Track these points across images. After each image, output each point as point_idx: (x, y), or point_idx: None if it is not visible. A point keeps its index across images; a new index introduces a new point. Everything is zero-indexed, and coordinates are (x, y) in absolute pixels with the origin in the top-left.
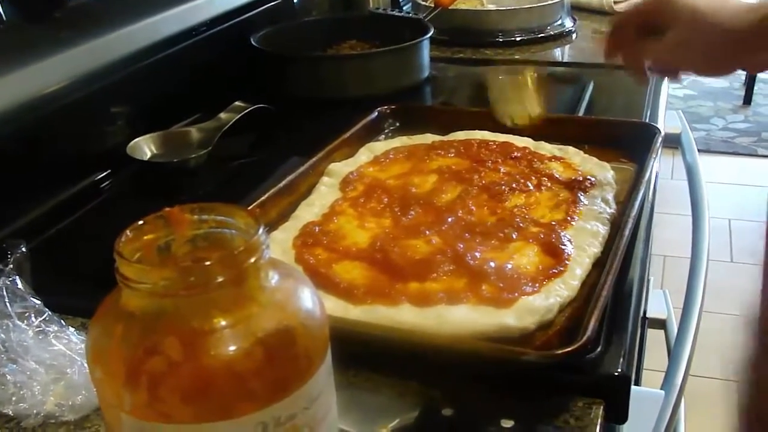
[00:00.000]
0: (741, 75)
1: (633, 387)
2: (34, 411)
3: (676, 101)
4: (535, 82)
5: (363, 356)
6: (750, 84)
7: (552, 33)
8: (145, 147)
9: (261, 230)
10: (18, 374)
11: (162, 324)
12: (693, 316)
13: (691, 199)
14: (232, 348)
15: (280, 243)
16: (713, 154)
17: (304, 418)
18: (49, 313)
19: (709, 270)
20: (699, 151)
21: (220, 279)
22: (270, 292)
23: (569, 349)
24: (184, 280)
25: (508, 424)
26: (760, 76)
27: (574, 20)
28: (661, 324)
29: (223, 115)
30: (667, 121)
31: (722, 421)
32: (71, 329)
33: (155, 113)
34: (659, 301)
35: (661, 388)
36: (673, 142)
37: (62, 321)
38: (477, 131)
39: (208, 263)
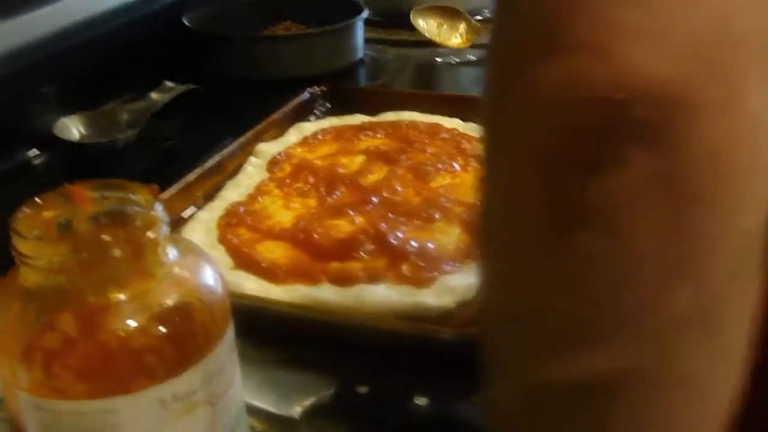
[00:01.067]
0: None
1: None
2: None
3: None
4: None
5: (282, 335)
6: None
7: (490, 15)
8: (72, 127)
9: (159, 206)
10: None
11: (58, 300)
12: None
13: None
14: (129, 323)
15: (204, 223)
16: None
17: (204, 394)
18: None
19: None
20: None
21: (116, 254)
22: (168, 267)
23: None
24: (79, 255)
25: (422, 401)
26: None
27: None
28: None
29: (154, 96)
30: None
31: None
32: None
33: (85, 92)
34: None
35: None
36: None
37: None
38: (407, 112)
39: (104, 237)
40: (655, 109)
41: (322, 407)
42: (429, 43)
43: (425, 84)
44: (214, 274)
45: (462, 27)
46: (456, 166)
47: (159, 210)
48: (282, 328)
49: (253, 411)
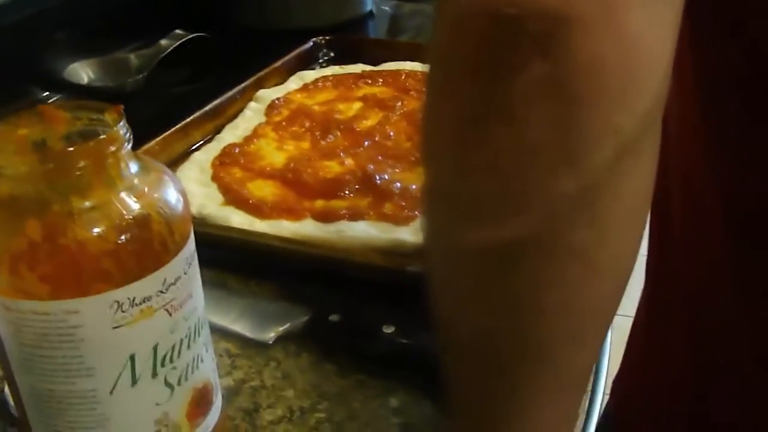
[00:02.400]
0: None
1: None
2: None
3: None
4: None
5: (264, 267)
6: None
7: None
8: (82, 72)
9: (122, 123)
10: None
11: (25, 208)
12: None
13: None
14: (89, 230)
15: (199, 163)
16: None
17: (159, 301)
18: None
19: None
20: None
21: (80, 165)
22: (129, 181)
23: None
24: (46, 165)
25: (389, 329)
26: None
27: None
28: None
29: (162, 42)
30: None
31: None
32: None
33: (95, 39)
34: None
35: None
36: None
37: None
38: (408, 62)
39: (69, 150)
40: (544, 23)
41: (295, 333)
42: None
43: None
44: (176, 194)
45: None
46: None
47: (122, 127)
48: (262, 260)
49: (231, 336)
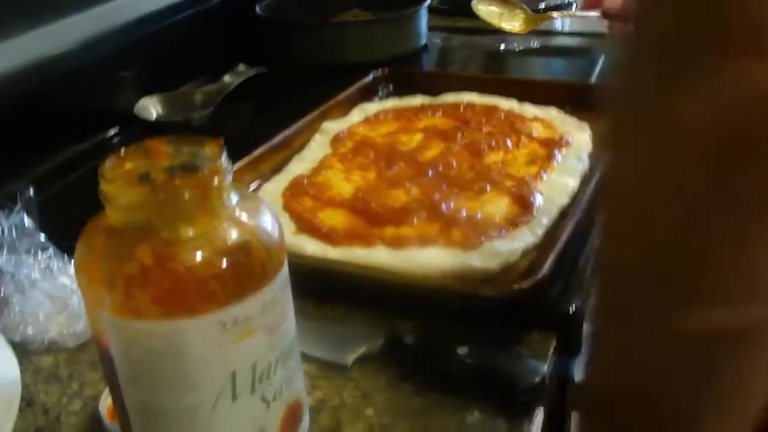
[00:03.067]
0: None
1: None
2: (39, 338)
3: None
4: None
5: (339, 292)
6: None
7: (552, 4)
8: (151, 107)
9: (224, 157)
10: (25, 305)
11: (136, 235)
12: None
13: None
14: (196, 255)
15: (269, 193)
16: None
17: (258, 321)
18: (54, 249)
19: None
20: None
21: (186, 196)
22: (230, 210)
23: (524, 285)
24: (156, 196)
25: (462, 350)
26: None
27: None
28: None
29: (226, 78)
30: None
31: None
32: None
33: (162, 76)
34: None
35: None
36: None
37: (65, 256)
38: (465, 94)
39: (176, 182)
40: None
41: (371, 355)
42: (493, 31)
43: (490, 69)
44: (272, 221)
45: (520, 15)
46: (509, 143)
47: (224, 160)
48: (337, 286)
49: (310, 359)
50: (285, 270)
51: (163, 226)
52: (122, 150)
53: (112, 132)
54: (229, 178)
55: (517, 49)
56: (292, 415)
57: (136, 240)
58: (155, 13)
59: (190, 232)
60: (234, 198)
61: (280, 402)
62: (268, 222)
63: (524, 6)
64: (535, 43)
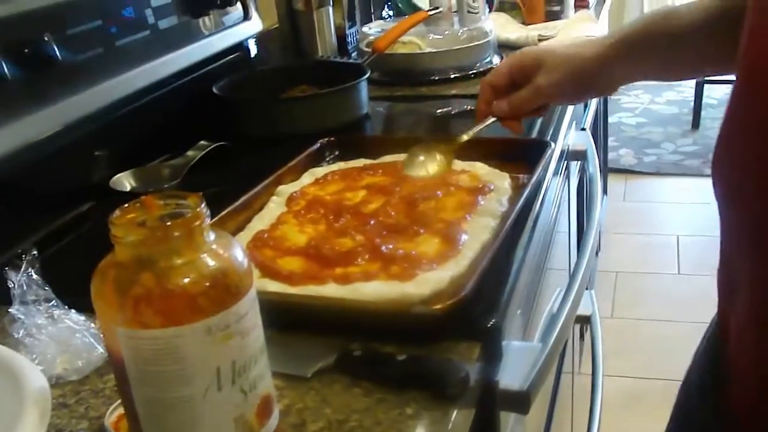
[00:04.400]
0: (689, 101)
1: (515, 342)
2: (48, 374)
3: (629, 129)
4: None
5: (298, 321)
6: (697, 109)
7: (482, 69)
8: (125, 181)
9: (203, 205)
10: (34, 346)
11: (139, 266)
12: (572, 292)
13: (587, 202)
14: (186, 278)
15: None
16: (663, 177)
17: (235, 328)
18: (56, 299)
19: (658, 282)
20: (650, 174)
21: (176, 234)
22: (209, 244)
23: (448, 303)
24: (154, 235)
25: (401, 357)
26: (706, 101)
27: (501, 57)
28: (585, 320)
29: (190, 152)
30: (577, 140)
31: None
32: (73, 311)
33: (133, 153)
34: (587, 301)
35: (539, 342)
36: (581, 157)
37: (65, 305)
38: (402, 155)
39: (168, 224)
40: None
41: (327, 368)
42: (432, 97)
43: (428, 131)
44: (241, 253)
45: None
46: (439, 193)
47: (203, 208)
48: (297, 315)
49: (278, 375)
50: (253, 290)
51: (160, 258)
52: (125, 205)
53: (90, 205)
54: (207, 221)
55: (452, 112)
56: (265, 406)
57: (139, 270)
58: (124, 99)
59: (180, 262)
60: (212, 235)
61: (255, 393)
62: (239, 254)
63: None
64: (468, 106)
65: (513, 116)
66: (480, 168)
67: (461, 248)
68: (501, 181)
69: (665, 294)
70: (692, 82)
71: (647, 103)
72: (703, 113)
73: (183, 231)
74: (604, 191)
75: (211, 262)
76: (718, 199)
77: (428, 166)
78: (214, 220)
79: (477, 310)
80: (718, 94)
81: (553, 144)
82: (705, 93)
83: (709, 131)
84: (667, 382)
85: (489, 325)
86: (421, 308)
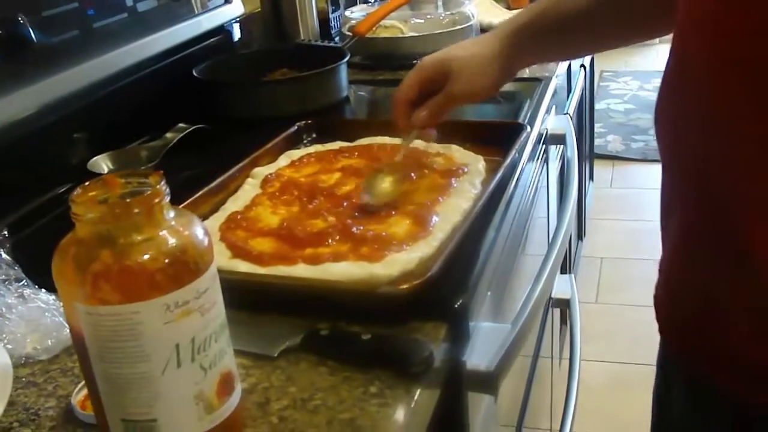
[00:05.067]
0: None
1: (486, 323)
2: (17, 353)
3: (617, 115)
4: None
5: (266, 301)
6: None
7: None
8: (102, 163)
9: (163, 183)
10: (4, 326)
11: (99, 242)
12: (544, 274)
13: (563, 185)
14: (145, 255)
15: (209, 228)
16: (650, 163)
17: (194, 304)
18: (26, 279)
19: (644, 267)
20: (637, 160)
21: (135, 210)
22: (169, 221)
23: (415, 283)
24: (113, 211)
25: (366, 336)
26: None
27: None
28: (564, 303)
29: (168, 135)
30: (556, 123)
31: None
32: (43, 290)
33: (112, 135)
34: (566, 284)
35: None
36: (560, 141)
37: (36, 285)
38: (378, 137)
39: (128, 200)
40: None
41: (294, 347)
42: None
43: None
44: (202, 231)
45: None
46: (413, 175)
47: (163, 185)
48: (265, 295)
49: (245, 354)
50: (213, 267)
51: (119, 234)
52: (86, 183)
53: (69, 186)
54: (167, 198)
55: None
56: (226, 383)
57: (99, 246)
58: (103, 81)
59: (140, 239)
60: (171, 213)
61: (215, 370)
62: (199, 232)
63: None
64: None
65: (432, 124)
66: (455, 151)
67: (432, 230)
68: (475, 163)
69: (650, 280)
70: None
71: (636, 90)
72: None
73: (143, 208)
74: (591, 177)
75: (170, 240)
76: (661, 150)
77: (383, 190)
78: (188, 201)
79: (444, 291)
80: None
81: (529, 127)
82: None
83: None
84: (651, 368)
85: (456, 306)
86: (387, 288)
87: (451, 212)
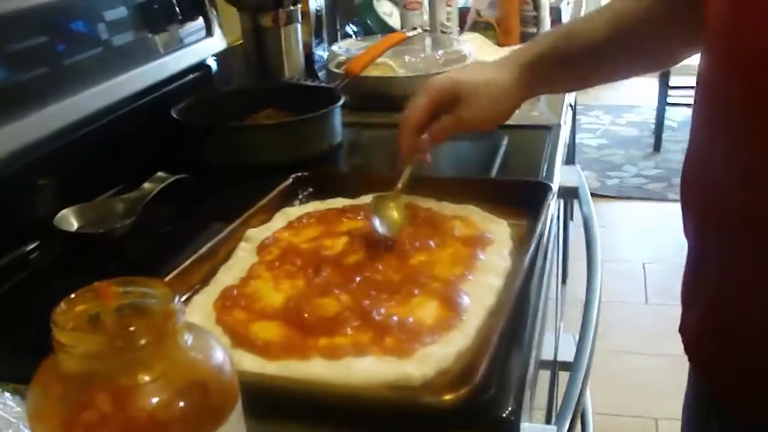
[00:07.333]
0: (650, 123)
1: (526, 424)
2: None
3: (590, 150)
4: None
5: (279, 407)
6: (658, 132)
7: None
8: (72, 218)
9: (176, 299)
10: None
11: (94, 382)
12: (585, 355)
13: (587, 246)
14: (155, 400)
15: (201, 306)
16: (627, 200)
17: None
18: None
19: (624, 311)
20: (612, 197)
21: (142, 342)
22: (185, 351)
23: (462, 393)
24: (113, 344)
25: None
26: (667, 123)
27: None
28: (569, 366)
29: (146, 186)
30: (565, 175)
31: None
32: (7, 394)
33: (81, 185)
34: (570, 345)
35: (554, 424)
36: (572, 194)
37: None
38: (384, 194)
39: (132, 329)
40: None
41: None
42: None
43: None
44: (223, 355)
45: None
46: (432, 243)
47: (177, 303)
48: (277, 401)
49: None
50: (239, 402)
51: (120, 372)
52: (72, 294)
53: (31, 246)
54: (182, 319)
55: None
56: None
57: (93, 387)
58: (72, 125)
59: (147, 377)
60: (188, 338)
61: None
62: (220, 357)
63: None
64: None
65: (433, 144)
66: (474, 213)
67: (464, 315)
68: (499, 229)
69: (633, 325)
70: (654, 104)
71: (608, 124)
72: (664, 135)
73: (151, 338)
74: (571, 216)
75: (187, 376)
76: (691, 219)
77: (397, 219)
78: (175, 272)
79: (490, 395)
80: (679, 116)
81: (552, 186)
82: (666, 115)
83: (670, 154)
84: (637, 420)
85: (504, 415)
86: (428, 399)
87: (482, 293)
